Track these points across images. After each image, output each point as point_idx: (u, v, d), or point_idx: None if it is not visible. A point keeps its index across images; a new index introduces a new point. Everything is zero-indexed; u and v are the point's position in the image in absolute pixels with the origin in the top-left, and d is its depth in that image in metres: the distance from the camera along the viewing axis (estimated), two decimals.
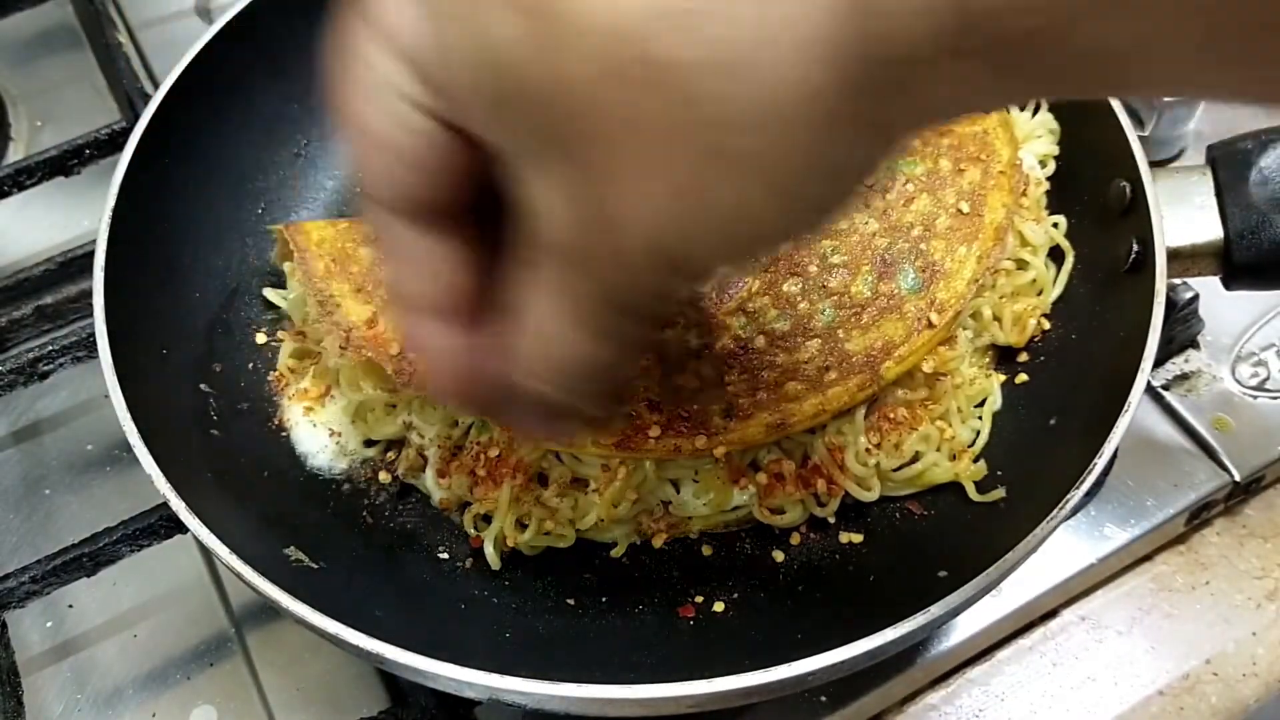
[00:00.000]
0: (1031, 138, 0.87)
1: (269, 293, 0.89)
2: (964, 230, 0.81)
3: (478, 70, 0.40)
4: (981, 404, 0.82)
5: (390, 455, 0.83)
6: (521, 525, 0.77)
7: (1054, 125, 0.87)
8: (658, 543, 0.78)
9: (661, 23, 0.36)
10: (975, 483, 0.78)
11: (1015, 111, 0.87)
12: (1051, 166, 0.87)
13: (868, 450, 0.78)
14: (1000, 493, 0.76)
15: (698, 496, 0.78)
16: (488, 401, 0.51)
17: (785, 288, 0.80)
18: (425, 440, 0.80)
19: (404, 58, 0.44)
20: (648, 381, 0.76)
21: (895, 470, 0.79)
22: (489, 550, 0.77)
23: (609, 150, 0.39)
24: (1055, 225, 0.85)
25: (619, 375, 0.48)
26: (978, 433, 0.81)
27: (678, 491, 0.79)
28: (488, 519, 0.78)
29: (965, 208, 0.82)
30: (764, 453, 0.79)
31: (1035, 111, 0.89)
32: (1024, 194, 0.84)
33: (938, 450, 0.79)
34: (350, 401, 0.82)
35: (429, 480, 0.80)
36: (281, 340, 0.86)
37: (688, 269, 0.43)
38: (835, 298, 0.79)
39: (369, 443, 0.83)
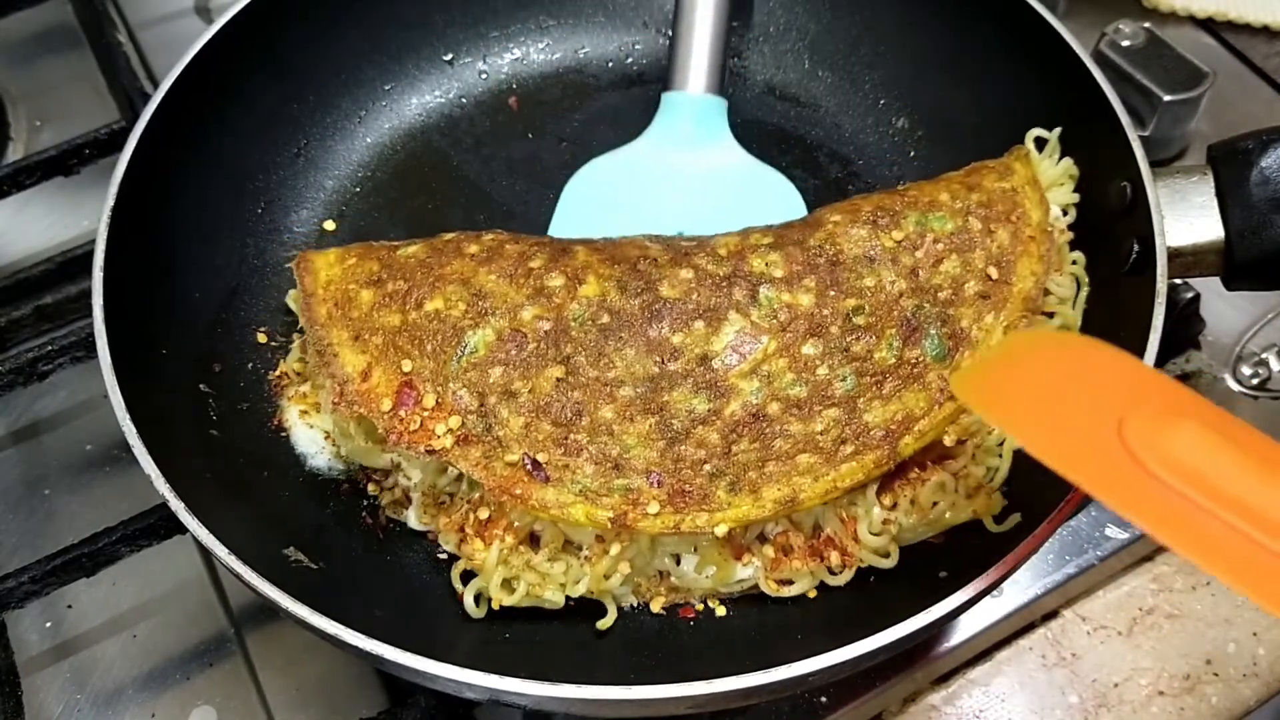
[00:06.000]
0: (1055, 185, 0.84)
1: (291, 298, 0.87)
2: (993, 297, 0.77)
3: None
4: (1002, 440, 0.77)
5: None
6: (510, 586, 0.73)
7: (1074, 171, 0.84)
8: (656, 606, 0.75)
9: None
10: None
11: (1035, 154, 0.85)
12: (1073, 214, 0.84)
13: (885, 521, 0.73)
14: (1016, 518, 0.72)
15: (699, 570, 0.74)
16: None
17: (804, 350, 0.75)
18: (411, 483, 0.78)
19: None
20: (648, 451, 0.72)
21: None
22: (469, 603, 0.74)
23: None
24: (1074, 263, 0.82)
25: None
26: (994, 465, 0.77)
27: (678, 563, 0.75)
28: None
29: (994, 273, 0.78)
30: (771, 524, 0.74)
31: (1060, 157, 0.85)
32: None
33: (955, 491, 0.75)
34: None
35: (412, 519, 0.78)
36: (280, 342, 0.86)
37: None
38: (857, 363, 0.74)
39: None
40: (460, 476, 0.75)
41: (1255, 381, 0.93)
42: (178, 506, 0.67)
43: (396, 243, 0.83)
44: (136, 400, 0.71)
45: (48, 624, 0.85)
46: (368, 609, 0.70)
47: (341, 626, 0.62)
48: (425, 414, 0.73)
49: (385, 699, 0.80)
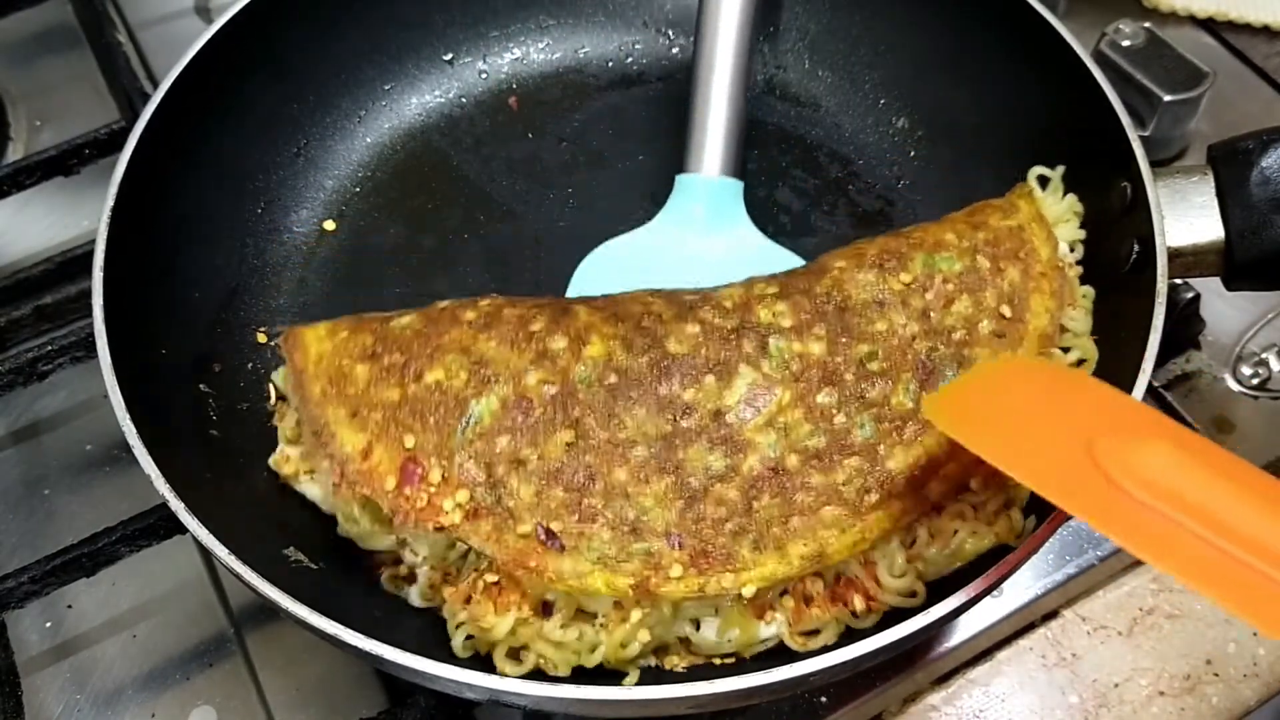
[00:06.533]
0: (1060, 222, 0.83)
1: (280, 377, 0.82)
2: (1008, 336, 0.76)
3: None
4: None
5: None
6: (518, 657, 0.69)
7: (1079, 208, 0.83)
8: (670, 665, 0.71)
9: None
10: None
11: (1038, 191, 0.84)
12: (1080, 251, 0.83)
13: (908, 560, 0.70)
14: (1030, 523, 0.70)
15: (720, 634, 0.71)
16: None
17: (820, 399, 0.73)
18: (419, 559, 0.74)
19: None
20: (666, 512, 0.69)
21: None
22: (458, 647, 0.70)
23: None
24: (1084, 296, 0.80)
25: None
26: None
27: (697, 629, 0.71)
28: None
29: (1007, 312, 0.76)
30: None
31: (1064, 193, 0.85)
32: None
33: (975, 518, 0.71)
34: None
35: (414, 596, 0.75)
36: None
37: None
38: (874, 410, 0.73)
39: None
40: (467, 553, 0.72)
41: (1255, 381, 0.93)
42: (178, 506, 0.67)
43: (389, 314, 0.79)
44: (136, 400, 0.71)
45: (48, 624, 0.85)
46: (368, 609, 0.70)
47: (341, 626, 0.62)
48: (432, 490, 0.70)
49: (385, 699, 0.80)
